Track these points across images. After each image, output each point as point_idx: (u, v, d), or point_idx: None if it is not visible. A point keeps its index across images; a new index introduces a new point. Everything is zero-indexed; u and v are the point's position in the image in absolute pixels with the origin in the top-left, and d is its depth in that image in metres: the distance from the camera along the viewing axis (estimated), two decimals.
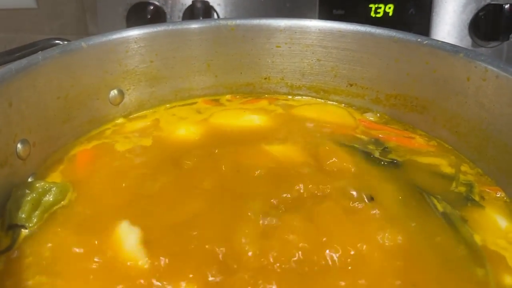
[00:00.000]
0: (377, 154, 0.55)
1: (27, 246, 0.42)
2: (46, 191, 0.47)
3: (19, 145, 0.49)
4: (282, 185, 0.47)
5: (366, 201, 0.45)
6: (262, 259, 0.38)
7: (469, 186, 0.50)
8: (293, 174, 0.49)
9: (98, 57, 0.59)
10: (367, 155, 0.54)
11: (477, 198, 0.48)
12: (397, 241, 0.40)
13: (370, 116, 0.64)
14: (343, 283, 0.37)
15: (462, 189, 0.50)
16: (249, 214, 0.42)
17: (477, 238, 0.42)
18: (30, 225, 0.44)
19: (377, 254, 0.39)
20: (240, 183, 0.48)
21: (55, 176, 0.51)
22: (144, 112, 0.66)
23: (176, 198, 0.47)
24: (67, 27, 1.14)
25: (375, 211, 0.44)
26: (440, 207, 0.46)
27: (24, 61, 0.51)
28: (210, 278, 0.37)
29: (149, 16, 0.96)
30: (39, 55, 0.52)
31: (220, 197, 0.46)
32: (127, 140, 0.58)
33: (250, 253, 0.38)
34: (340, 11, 0.92)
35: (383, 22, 0.92)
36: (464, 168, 0.53)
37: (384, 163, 0.53)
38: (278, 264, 0.38)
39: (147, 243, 0.41)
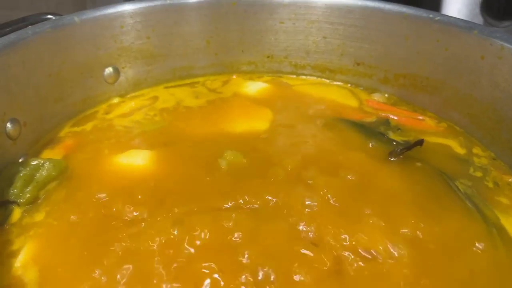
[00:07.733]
0: (390, 135, 0.52)
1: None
2: (39, 167, 0.44)
3: (8, 125, 0.47)
4: None
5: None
6: None
7: (485, 171, 0.48)
8: None
9: (92, 32, 0.56)
10: (381, 136, 0.51)
11: (491, 184, 0.46)
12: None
13: (377, 97, 0.61)
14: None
15: (479, 174, 0.47)
16: None
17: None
18: (22, 200, 0.42)
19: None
20: None
21: (48, 157, 0.49)
22: (141, 91, 0.63)
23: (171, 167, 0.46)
24: (64, 4, 1.10)
25: None
26: (462, 189, 0.44)
27: (12, 36, 0.48)
28: None
29: None
30: (29, 30, 0.50)
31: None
32: (123, 119, 0.56)
33: None
34: None
35: None
36: (476, 150, 0.51)
37: (398, 144, 0.50)
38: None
39: None
